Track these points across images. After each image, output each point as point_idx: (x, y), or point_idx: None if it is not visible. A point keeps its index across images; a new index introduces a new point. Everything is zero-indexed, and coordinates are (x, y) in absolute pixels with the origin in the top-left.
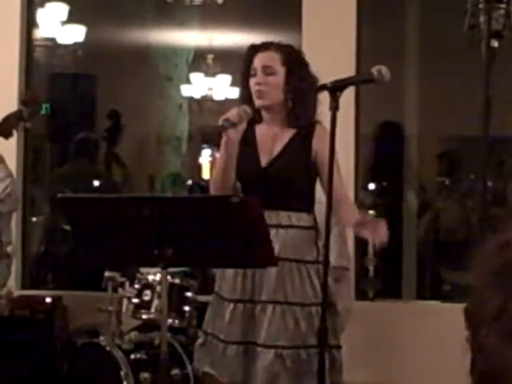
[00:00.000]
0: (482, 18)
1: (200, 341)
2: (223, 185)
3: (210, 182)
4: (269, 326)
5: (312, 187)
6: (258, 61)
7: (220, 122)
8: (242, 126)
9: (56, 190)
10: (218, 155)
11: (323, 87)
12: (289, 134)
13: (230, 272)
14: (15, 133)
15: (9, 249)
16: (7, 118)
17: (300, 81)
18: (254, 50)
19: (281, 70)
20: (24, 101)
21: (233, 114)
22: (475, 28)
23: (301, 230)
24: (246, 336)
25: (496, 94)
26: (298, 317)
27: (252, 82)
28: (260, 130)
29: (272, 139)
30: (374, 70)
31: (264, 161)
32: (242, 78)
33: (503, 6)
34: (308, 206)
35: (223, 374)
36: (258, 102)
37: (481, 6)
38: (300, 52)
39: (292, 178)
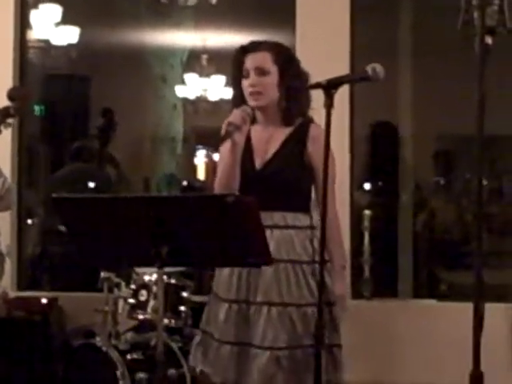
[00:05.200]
0: (475, 15)
1: (197, 339)
2: (229, 186)
3: (214, 182)
4: (265, 327)
5: (308, 187)
6: (250, 62)
7: (224, 127)
8: (246, 128)
9: (52, 192)
10: (217, 156)
11: (318, 85)
12: (283, 134)
13: (225, 272)
14: (4, 130)
15: (2, 247)
16: None
17: (293, 78)
18: (244, 51)
19: (273, 69)
20: (10, 96)
21: (236, 117)
22: (469, 25)
23: (296, 230)
24: (240, 337)
25: (490, 92)
26: (293, 318)
27: (245, 83)
28: (255, 132)
29: (267, 140)
30: (369, 68)
31: (258, 163)
32: (234, 80)
33: (497, 2)
34: (304, 205)
35: (217, 373)
36: (253, 104)
37: (474, 2)
38: (289, 49)
39: (287, 180)
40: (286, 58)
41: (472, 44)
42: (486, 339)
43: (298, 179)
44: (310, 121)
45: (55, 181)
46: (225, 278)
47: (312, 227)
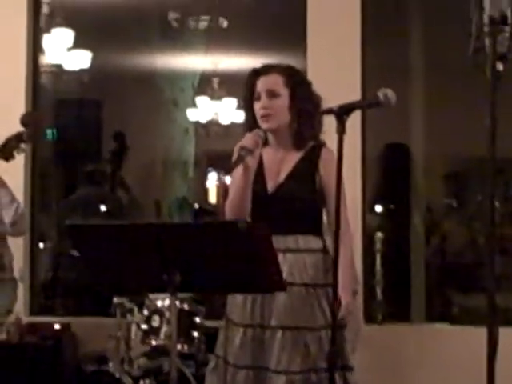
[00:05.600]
0: (487, 41)
1: (211, 365)
2: (241, 208)
3: (225, 204)
4: (279, 351)
5: (320, 210)
6: (262, 85)
7: (236, 151)
8: (258, 151)
9: (65, 217)
10: (230, 179)
11: (330, 111)
12: (295, 157)
13: (239, 297)
14: (17, 156)
15: (15, 273)
16: (8, 141)
17: (304, 101)
18: (256, 73)
19: (284, 92)
20: (23, 122)
21: (248, 141)
22: (480, 51)
23: (309, 253)
24: (256, 361)
25: (502, 115)
26: (307, 341)
27: (257, 106)
28: (267, 154)
29: (278, 163)
30: (380, 94)
31: (270, 186)
32: (246, 103)
33: (508, 28)
34: (316, 228)
35: None
36: (264, 126)
37: (485, 28)
38: (301, 72)
39: (298, 204)
40: (297, 81)
41: (483, 69)
42: (500, 364)
43: (310, 202)
44: (322, 144)
45: (68, 205)
46: (239, 302)
47: (325, 250)
